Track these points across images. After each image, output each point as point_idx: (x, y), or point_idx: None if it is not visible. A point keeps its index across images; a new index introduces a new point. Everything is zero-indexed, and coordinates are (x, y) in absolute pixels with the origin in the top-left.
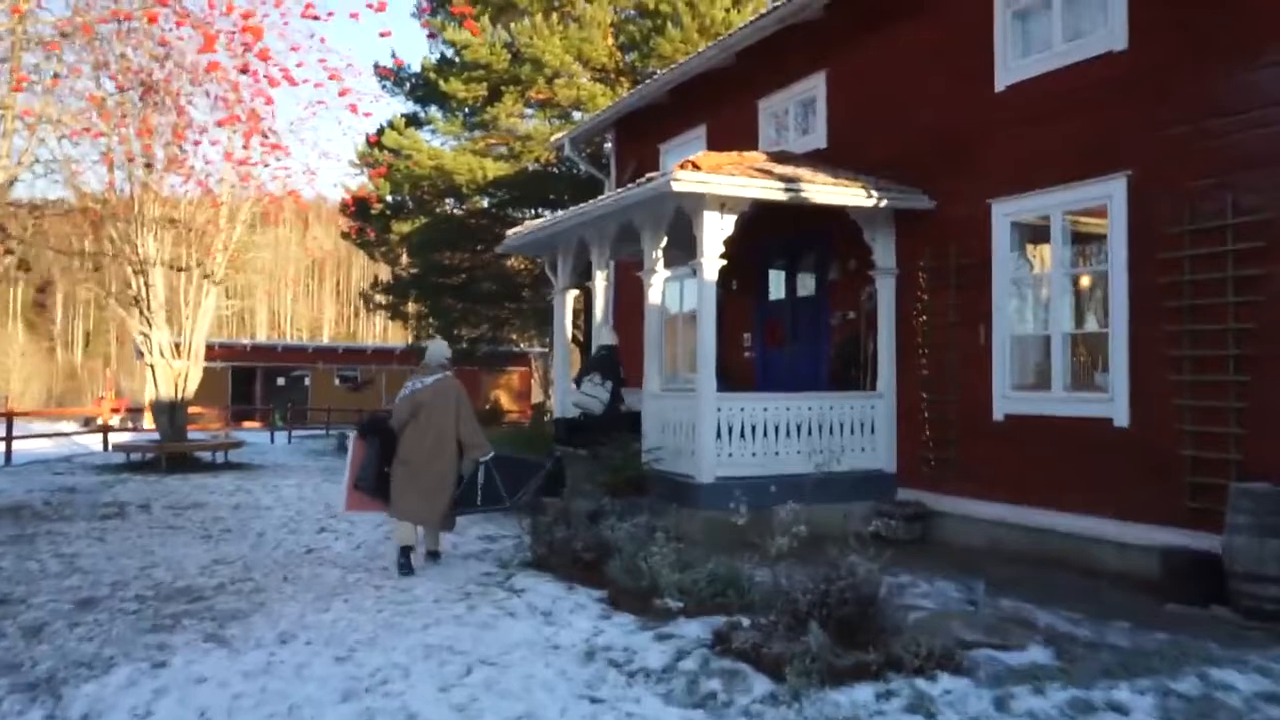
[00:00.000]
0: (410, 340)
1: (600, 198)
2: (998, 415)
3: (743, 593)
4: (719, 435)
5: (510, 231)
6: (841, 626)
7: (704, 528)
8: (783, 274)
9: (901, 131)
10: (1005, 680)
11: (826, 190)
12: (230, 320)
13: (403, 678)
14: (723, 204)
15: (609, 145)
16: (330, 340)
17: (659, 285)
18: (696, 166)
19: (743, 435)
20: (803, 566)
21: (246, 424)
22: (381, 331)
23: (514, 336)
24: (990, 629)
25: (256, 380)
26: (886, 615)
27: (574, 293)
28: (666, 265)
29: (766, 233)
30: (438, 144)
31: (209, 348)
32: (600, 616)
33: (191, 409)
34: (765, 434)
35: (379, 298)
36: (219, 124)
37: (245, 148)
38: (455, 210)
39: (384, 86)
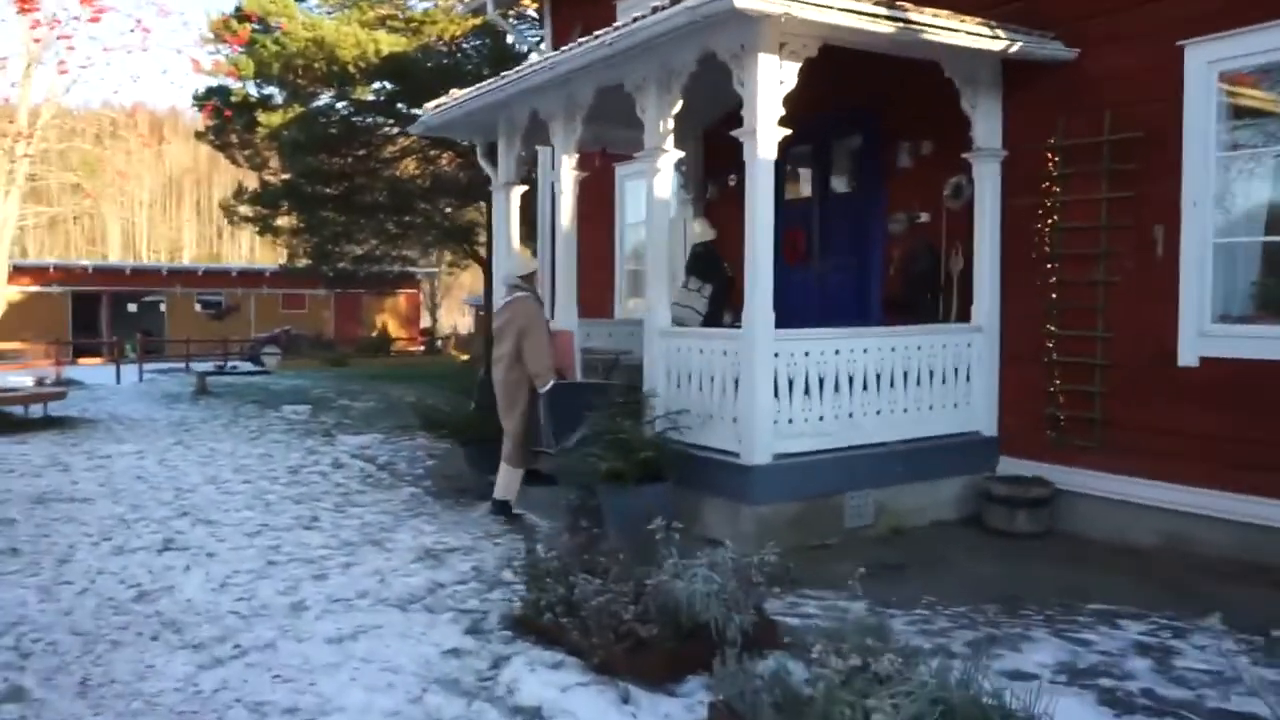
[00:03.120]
0: (284, 260)
1: (572, 45)
2: (1186, 359)
3: None
4: (776, 392)
5: (430, 105)
6: None
7: (757, 529)
8: (807, 164)
9: None
10: None
11: (939, 25)
12: (76, 240)
13: None
14: (784, 43)
15: (522, 28)
16: (190, 261)
17: (668, 171)
18: None
19: (807, 391)
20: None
21: (86, 361)
22: (249, 252)
23: (408, 255)
24: None
25: (102, 307)
26: None
27: (521, 189)
28: (629, 156)
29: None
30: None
31: (41, 270)
32: None
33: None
34: (836, 388)
35: (244, 209)
36: None
37: None
38: (336, 104)
39: None
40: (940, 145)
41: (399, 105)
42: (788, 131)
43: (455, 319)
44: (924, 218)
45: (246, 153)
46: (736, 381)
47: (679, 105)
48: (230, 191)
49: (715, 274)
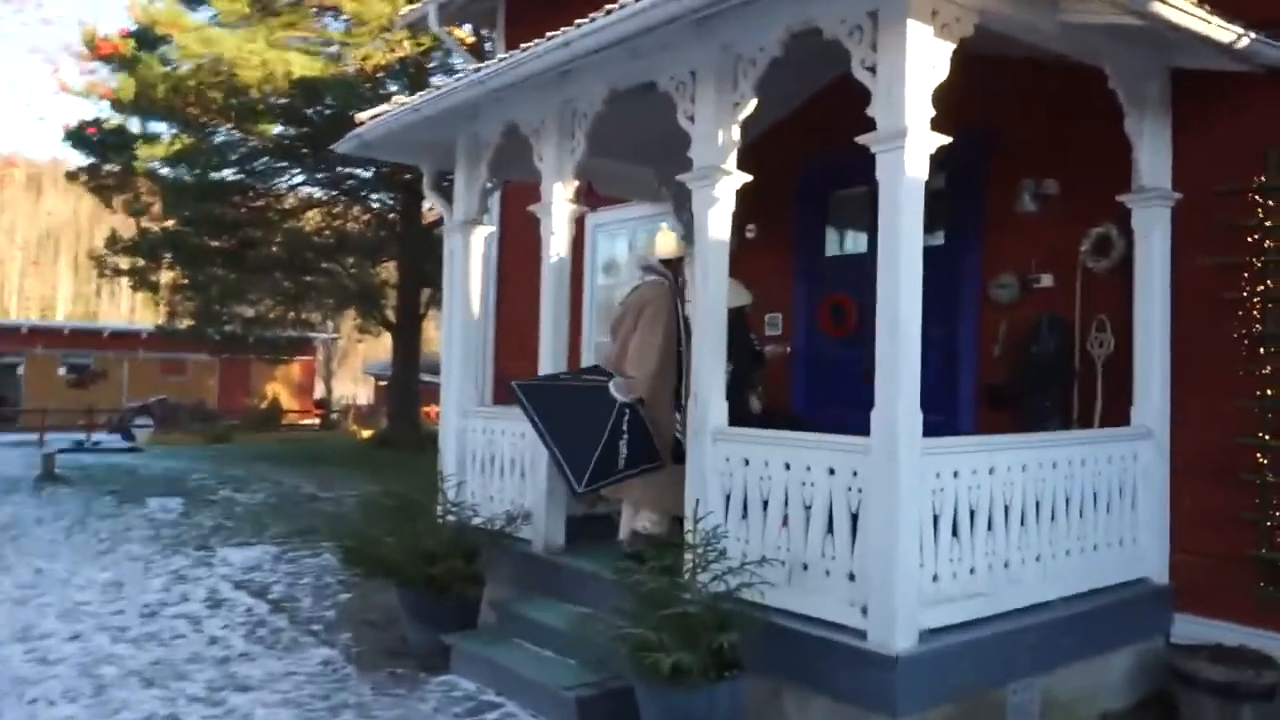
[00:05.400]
0: (163, 320)
1: (586, 21)
2: None
3: None
4: (921, 538)
5: (367, 114)
6: None
7: None
8: (862, 211)
9: None
10: None
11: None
12: None
13: None
14: (935, 10)
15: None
16: (63, 319)
17: (728, 201)
18: None
19: (955, 531)
20: None
21: None
22: (129, 312)
23: (308, 317)
24: None
25: None
26: None
27: (485, 231)
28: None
29: (820, 136)
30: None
31: None
32: None
33: None
34: (990, 525)
35: (118, 261)
36: None
37: None
38: (234, 140)
39: None
40: (1071, 185)
41: (307, 146)
42: (945, 140)
43: (351, 389)
44: (1045, 281)
45: (125, 196)
46: (855, 517)
47: (751, 107)
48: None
49: (740, 349)
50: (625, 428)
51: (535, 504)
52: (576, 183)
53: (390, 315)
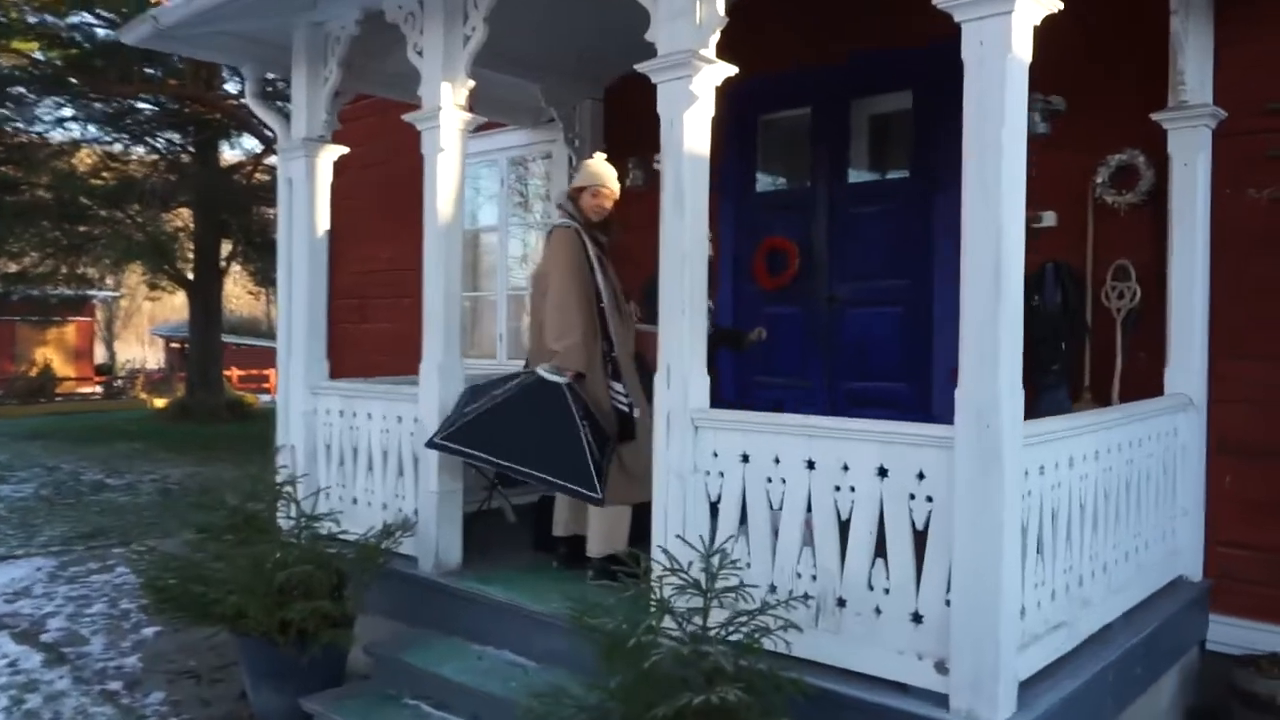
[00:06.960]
0: None
1: None
2: None
3: None
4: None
5: None
6: None
7: None
8: (802, 137)
9: None
10: None
11: None
12: None
13: None
14: None
15: None
16: None
17: (708, 102)
18: None
19: (1039, 547)
20: None
21: None
22: None
23: (84, 273)
24: None
25: None
26: None
27: (335, 153)
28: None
29: (747, 45)
30: None
31: None
32: None
33: None
34: (1068, 533)
35: None
36: None
37: None
38: None
39: None
40: (1080, 104)
41: (78, 78)
42: (1056, 5)
43: (138, 353)
44: (1046, 220)
45: None
46: (920, 532)
47: None
48: None
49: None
50: (581, 413)
51: (422, 509)
52: (472, 83)
53: (186, 271)
